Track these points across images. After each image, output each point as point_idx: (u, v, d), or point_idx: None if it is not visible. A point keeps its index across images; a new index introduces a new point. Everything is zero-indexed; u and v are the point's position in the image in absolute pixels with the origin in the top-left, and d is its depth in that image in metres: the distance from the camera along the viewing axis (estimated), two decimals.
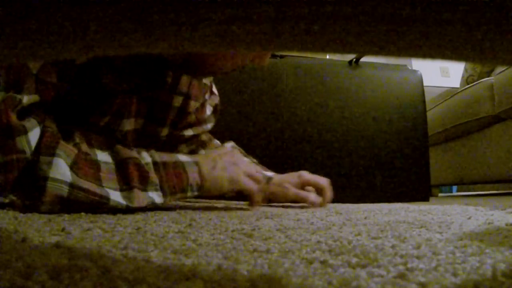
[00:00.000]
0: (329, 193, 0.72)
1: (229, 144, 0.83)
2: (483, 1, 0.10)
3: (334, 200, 0.75)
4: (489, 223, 0.39)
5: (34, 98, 0.46)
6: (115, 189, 0.48)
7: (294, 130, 1.19)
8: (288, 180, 0.73)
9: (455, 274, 0.17)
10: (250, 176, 0.62)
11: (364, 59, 1.30)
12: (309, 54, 1.29)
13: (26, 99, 0.45)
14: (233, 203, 0.79)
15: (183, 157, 0.57)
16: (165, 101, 0.61)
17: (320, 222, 0.41)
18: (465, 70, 2.42)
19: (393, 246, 0.24)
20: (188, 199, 0.95)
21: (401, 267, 0.19)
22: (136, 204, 0.48)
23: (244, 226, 0.36)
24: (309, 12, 0.10)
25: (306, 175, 0.74)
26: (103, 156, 0.50)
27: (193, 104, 0.66)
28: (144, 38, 0.12)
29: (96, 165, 0.48)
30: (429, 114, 1.91)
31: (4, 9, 0.11)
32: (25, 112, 0.45)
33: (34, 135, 0.44)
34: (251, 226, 0.36)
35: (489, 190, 2.81)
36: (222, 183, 0.58)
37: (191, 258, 0.21)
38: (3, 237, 0.26)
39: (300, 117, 1.20)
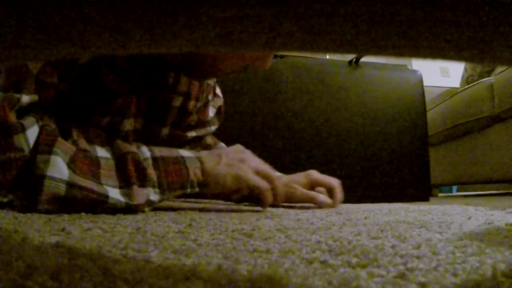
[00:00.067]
0: (340, 193, 0.68)
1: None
2: (483, 1, 0.10)
3: None
4: (489, 223, 0.39)
5: (34, 98, 0.46)
6: (114, 187, 0.47)
7: (294, 130, 1.19)
8: (295, 180, 0.70)
9: (455, 274, 0.17)
10: (260, 174, 0.58)
11: (364, 59, 1.30)
12: (309, 54, 1.29)
13: (25, 98, 0.45)
14: (233, 204, 0.79)
15: (185, 153, 0.55)
16: (165, 101, 0.60)
17: (320, 222, 0.41)
18: (465, 70, 2.43)
19: (393, 246, 0.24)
20: (188, 199, 0.94)
21: (401, 267, 0.19)
22: (135, 201, 0.47)
23: (244, 226, 0.36)
24: (309, 12, 0.10)
25: (314, 174, 0.71)
26: (102, 152, 0.49)
27: (194, 104, 0.65)
28: (144, 38, 0.12)
29: (95, 162, 0.47)
30: (429, 114, 1.92)
31: (4, 9, 0.11)
32: (24, 112, 0.45)
33: (32, 133, 0.44)
34: (251, 226, 0.36)
35: (489, 190, 2.81)
36: (225, 180, 0.55)
37: (191, 258, 0.21)
38: (3, 237, 0.26)
39: (300, 117, 1.20)
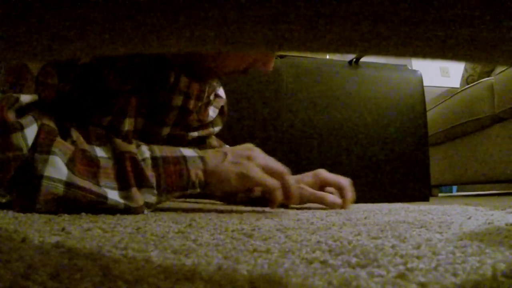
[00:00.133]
0: (350, 193, 0.65)
1: None
2: (484, 1, 0.10)
3: None
4: (489, 223, 0.39)
5: (34, 97, 0.46)
6: (113, 188, 0.47)
7: (294, 130, 1.19)
8: (303, 180, 0.68)
9: (455, 274, 0.17)
10: (270, 172, 0.54)
11: (364, 59, 1.30)
12: (309, 54, 1.29)
13: (24, 98, 0.45)
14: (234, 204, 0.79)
15: (187, 152, 0.54)
16: (165, 101, 0.60)
17: (320, 222, 0.41)
18: (465, 70, 2.43)
19: (393, 246, 0.24)
20: (188, 199, 0.94)
21: (401, 267, 0.19)
22: (134, 204, 0.47)
23: (244, 226, 0.36)
24: (309, 12, 0.10)
25: (323, 173, 0.68)
26: (102, 152, 0.49)
27: (194, 103, 0.65)
28: (144, 38, 0.12)
29: (94, 162, 0.47)
30: (429, 114, 1.92)
31: (4, 9, 0.11)
32: (23, 111, 0.45)
33: (30, 132, 0.44)
34: (251, 226, 0.36)
35: (489, 190, 2.81)
36: (229, 179, 0.52)
37: (191, 258, 0.21)
38: (3, 237, 0.26)
39: (300, 117, 1.20)
